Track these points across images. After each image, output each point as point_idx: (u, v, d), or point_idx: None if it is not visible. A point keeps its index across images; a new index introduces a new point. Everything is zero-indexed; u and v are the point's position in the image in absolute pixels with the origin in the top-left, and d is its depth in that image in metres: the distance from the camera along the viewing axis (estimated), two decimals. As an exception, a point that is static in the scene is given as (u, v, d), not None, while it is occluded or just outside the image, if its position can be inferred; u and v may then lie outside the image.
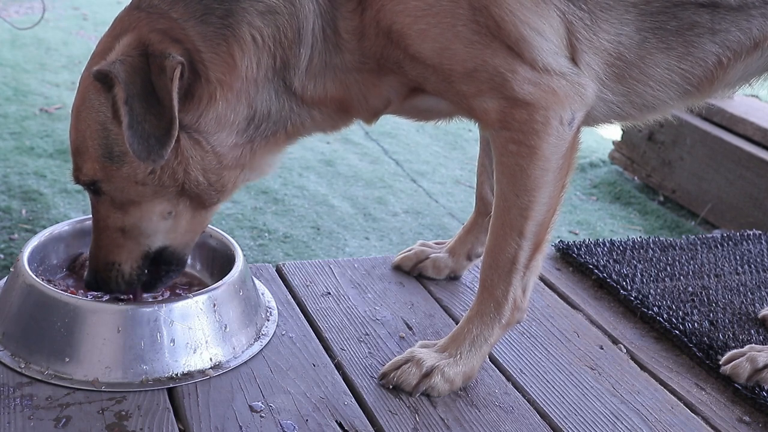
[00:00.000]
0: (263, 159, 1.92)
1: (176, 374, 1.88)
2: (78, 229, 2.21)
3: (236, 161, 1.86)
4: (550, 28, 1.74)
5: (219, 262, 2.18)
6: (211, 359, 1.93)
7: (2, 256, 3.79)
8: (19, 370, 1.86)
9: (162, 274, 1.97)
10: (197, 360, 1.91)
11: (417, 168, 5.47)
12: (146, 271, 1.95)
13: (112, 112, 1.76)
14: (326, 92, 1.85)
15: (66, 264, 2.18)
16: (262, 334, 2.07)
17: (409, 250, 2.49)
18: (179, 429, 1.75)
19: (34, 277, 1.95)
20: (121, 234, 1.89)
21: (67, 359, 1.85)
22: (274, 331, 2.10)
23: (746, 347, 2.13)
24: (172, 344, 1.88)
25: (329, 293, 2.32)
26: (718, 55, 1.86)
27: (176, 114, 1.70)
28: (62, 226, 2.20)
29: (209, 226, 2.23)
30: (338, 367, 2.01)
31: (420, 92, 1.88)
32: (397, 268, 2.46)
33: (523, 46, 1.73)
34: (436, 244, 2.50)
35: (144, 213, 1.87)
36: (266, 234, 4.32)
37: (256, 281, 2.24)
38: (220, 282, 2.01)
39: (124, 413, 1.77)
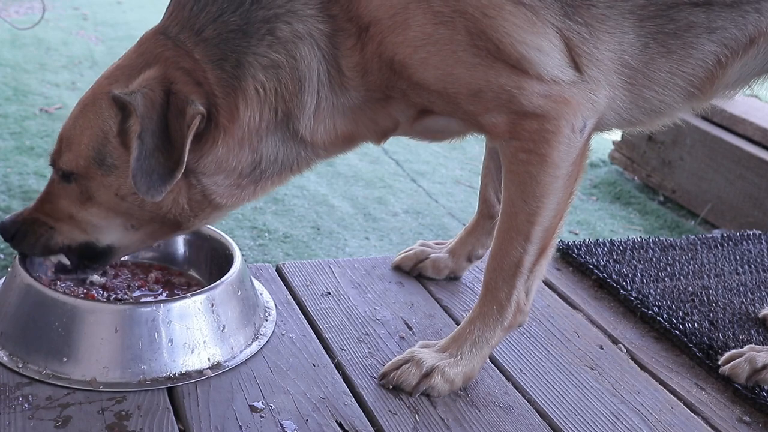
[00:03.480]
0: (264, 194, 1.95)
1: (174, 374, 1.87)
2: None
3: (234, 200, 1.90)
4: (549, 44, 1.74)
5: (217, 262, 2.17)
6: (209, 359, 1.93)
7: (2, 256, 3.79)
8: (16, 369, 1.85)
9: (84, 266, 1.99)
10: (195, 360, 1.91)
11: (417, 168, 5.46)
12: (70, 255, 1.97)
13: (118, 130, 1.79)
14: (336, 131, 1.88)
15: (57, 266, 2.16)
16: (261, 334, 2.07)
17: (409, 250, 2.49)
18: (179, 429, 1.75)
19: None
20: (69, 219, 1.91)
21: (65, 359, 1.84)
22: (273, 331, 2.10)
23: (746, 347, 2.12)
24: (170, 344, 1.88)
25: (329, 293, 2.32)
26: (717, 55, 1.86)
27: (185, 158, 1.73)
28: (61, 226, 2.19)
29: (208, 226, 2.23)
30: (338, 367, 2.01)
31: (429, 113, 1.89)
32: (397, 268, 2.46)
33: (526, 64, 1.73)
34: (436, 244, 2.50)
35: (105, 218, 1.89)
36: (266, 234, 4.31)
37: (255, 281, 2.24)
38: (218, 282, 2.00)
39: (124, 413, 1.77)
